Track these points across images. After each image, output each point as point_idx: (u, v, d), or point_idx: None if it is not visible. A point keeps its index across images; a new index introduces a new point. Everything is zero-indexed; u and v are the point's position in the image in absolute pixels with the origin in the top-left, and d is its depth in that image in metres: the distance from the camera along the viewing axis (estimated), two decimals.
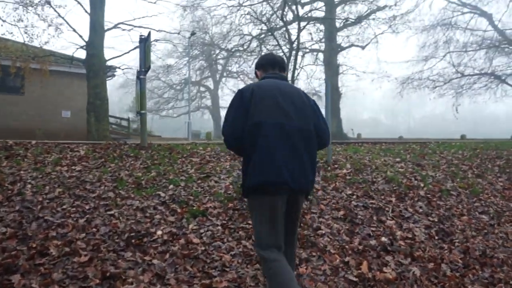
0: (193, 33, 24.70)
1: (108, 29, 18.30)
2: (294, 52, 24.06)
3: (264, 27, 27.70)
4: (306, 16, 27.16)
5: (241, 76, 46.00)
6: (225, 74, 51.21)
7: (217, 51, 46.08)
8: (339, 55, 32.71)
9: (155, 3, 26.01)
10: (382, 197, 5.48)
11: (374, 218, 4.89)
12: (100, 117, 15.89)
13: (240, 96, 2.89)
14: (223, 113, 56.89)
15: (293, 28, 27.32)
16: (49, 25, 16.61)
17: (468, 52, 32.71)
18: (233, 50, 35.99)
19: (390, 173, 6.25)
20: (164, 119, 50.61)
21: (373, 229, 4.62)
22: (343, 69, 32.92)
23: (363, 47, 31.36)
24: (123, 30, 20.04)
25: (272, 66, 3.17)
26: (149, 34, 6.49)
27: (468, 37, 33.36)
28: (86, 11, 16.24)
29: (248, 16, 27.04)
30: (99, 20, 15.90)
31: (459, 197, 5.82)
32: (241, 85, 47.46)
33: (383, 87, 32.66)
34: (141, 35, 6.67)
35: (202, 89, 52.97)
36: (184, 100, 51.44)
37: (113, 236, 3.87)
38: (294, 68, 24.12)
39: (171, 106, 50.09)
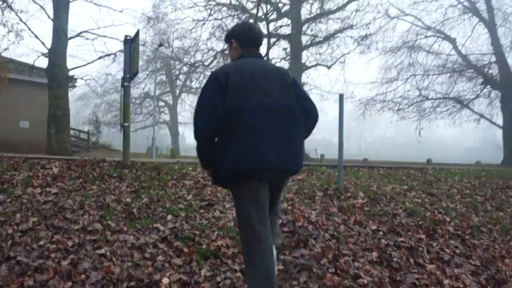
0: (160, 45, 23.76)
1: (72, 37, 17.20)
2: None
3: None
4: (274, 33, 26.83)
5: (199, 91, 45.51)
6: (184, 89, 50.23)
7: (178, 66, 45.23)
8: (303, 74, 32.55)
9: (121, 11, 24.94)
10: (410, 233, 4.77)
11: (411, 260, 4.15)
12: (61, 129, 14.69)
13: (215, 80, 2.66)
14: (181, 128, 55.71)
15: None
16: (9, 31, 15.44)
17: (432, 75, 33.33)
18: (196, 65, 35.30)
19: (409, 204, 5.57)
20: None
21: (416, 275, 3.88)
22: (307, 88, 32.77)
23: (328, 67, 31.25)
24: (87, 39, 18.95)
25: (253, 44, 2.93)
26: (136, 33, 5.58)
27: (431, 61, 34.04)
28: (49, 17, 15.17)
29: (215, 29, 26.65)
30: (62, 26, 14.84)
31: (491, 235, 5.19)
32: None
33: (345, 107, 32.36)
34: (126, 36, 5.76)
35: (161, 103, 51.75)
36: (142, 115, 49.98)
37: (107, 286, 2.94)
38: None
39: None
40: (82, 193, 4.36)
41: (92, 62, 19.06)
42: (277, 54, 25.05)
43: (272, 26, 27.27)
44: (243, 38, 2.92)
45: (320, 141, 61.42)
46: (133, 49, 5.59)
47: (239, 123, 2.56)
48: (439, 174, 8.04)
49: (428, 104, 32.14)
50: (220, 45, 29.81)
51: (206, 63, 33.01)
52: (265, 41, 25.57)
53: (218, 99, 2.62)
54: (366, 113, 33.26)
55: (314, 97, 36.48)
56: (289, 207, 4.76)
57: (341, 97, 5.80)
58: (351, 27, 28.64)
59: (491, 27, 32.02)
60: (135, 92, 45.40)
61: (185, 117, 51.64)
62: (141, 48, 32.50)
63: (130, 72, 5.60)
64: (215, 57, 32.14)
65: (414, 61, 32.75)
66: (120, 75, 37.39)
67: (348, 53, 28.96)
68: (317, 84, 33.52)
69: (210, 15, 28.84)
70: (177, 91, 48.11)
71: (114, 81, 43.19)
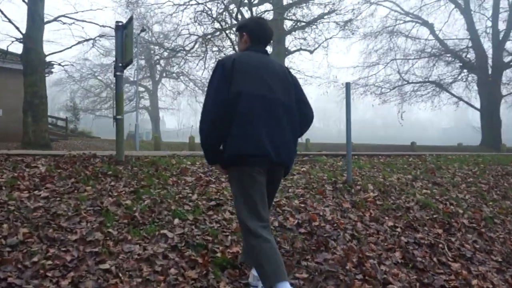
0: (142, 30, 22.93)
1: (48, 22, 16.43)
2: None
3: (217, 25, 26.61)
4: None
5: (181, 77, 44.49)
6: (165, 74, 49.37)
7: (158, 51, 44.22)
8: (286, 59, 32.14)
9: None
10: (426, 228, 4.52)
11: (434, 259, 3.91)
12: (38, 118, 14.00)
13: (222, 67, 2.75)
14: (162, 113, 54.91)
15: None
16: None
17: (412, 60, 33.37)
18: (177, 50, 34.48)
19: (420, 196, 5.32)
20: (99, 119, 47.63)
21: (443, 276, 3.63)
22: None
23: (311, 51, 30.95)
24: (64, 23, 18.15)
25: (262, 41, 3.01)
26: (130, 19, 5.10)
27: (410, 45, 34.08)
28: (24, 1, 14.41)
29: (198, 14, 25.93)
30: (38, 11, 14.09)
31: (505, 227, 5.00)
32: (182, 86, 45.53)
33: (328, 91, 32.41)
34: (117, 22, 5.28)
35: (140, 89, 50.69)
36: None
37: None
38: None
39: (108, 106, 47.39)
40: (75, 195, 3.93)
41: (70, 47, 18.29)
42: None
43: (255, 11, 26.65)
44: (254, 33, 2.98)
45: None
46: (125, 36, 5.12)
47: (239, 108, 2.64)
48: (438, 162, 7.83)
49: (409, 88, 32.26)
50: (202, 30, 29.11)
51: (187, 48, 32.33)
52: None
53: (224, 84, 2.69)
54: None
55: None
56: (301, 204, 4.44)
57: (347, 85, 5.47)
58: (333, 11, 28.25)
59: (467, 12, 32.16)
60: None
61: (165, 102, 50.79)
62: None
63: (123, 60, 5.13)
64: (196, 42, 31.48)
65: (394, 45, 32.73)
66: (99, 60, 35.99)
67: (331, 37, 28.66)
68: (301, 68, 32.99)
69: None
70: (157, 76, 47.13)
71: (91, 66, 41.91)
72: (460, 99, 31.95)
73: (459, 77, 32.19)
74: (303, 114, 2.92)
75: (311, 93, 35.60)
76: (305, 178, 5.41)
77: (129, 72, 46.06)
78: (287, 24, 29.85)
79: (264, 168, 2.69)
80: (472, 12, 31.84)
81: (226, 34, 23.18)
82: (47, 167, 4.65)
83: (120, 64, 5.15)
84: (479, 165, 7.98)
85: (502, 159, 8.97)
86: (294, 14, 27.29)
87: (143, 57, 44.39)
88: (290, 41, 31.19)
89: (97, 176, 4.51)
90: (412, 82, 32.27)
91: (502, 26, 31.27)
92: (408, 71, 32.26)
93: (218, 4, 27.84)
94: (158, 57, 45.70)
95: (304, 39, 30.31)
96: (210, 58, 32.12)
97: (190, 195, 4.30)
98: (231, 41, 23.38)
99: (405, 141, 32.62)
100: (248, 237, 2.61)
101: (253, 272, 2.92)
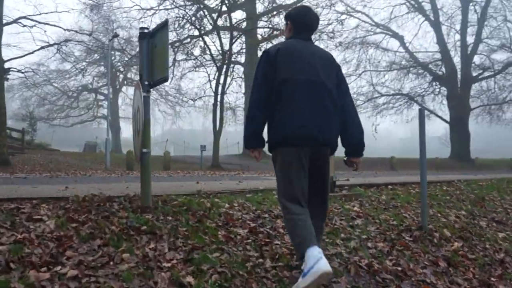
0: (115, 35, 21.43)
1: (7, 24, 14.89)
2: (219, 64, 22.00)
3: (190, 32, 25.42)
4: (223, 25, 25.28)
5: None
6: (126, 82, 47.48)
7: (121, 57, 42.42)
8: None
9: None
10: None
11: None
12: None
13: (267, 56, 2.94)
14: (122, 123, 52.74)
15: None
16: None
17: (383, 72, 33.37)
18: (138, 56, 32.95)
19: (504, 243, 4.50)
20: (53, 128, 44.92)
21: None
22: None
23: None
24: (24, 26, 16.58)
25: (306, 28, 3.10)
26: (163, 23, 3.99)
27: (381, 57, 34.09)
28: None
29: (177, 19, 24.67)
30: None
31: None
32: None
33: None
34: (142, 28, 4.16)
35: (100, 97, 48.58)
36: (78, 109, 46.49)
37: None
38: (225, 80, 22.11)
39: (65, 115, 44.94)
40: (113, 269, 2.80)
41: (32, 52, 16.72)
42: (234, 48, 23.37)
43: (224, 19, 25.67)
44: (297, 21, 3.09)
45: None
46: (154, 46, 4.00)
47: (284, 94, 2.81)
48: (475, 191, 7.10)
49: (382, 100, 32.19)
50: (172, 37, 27.87)
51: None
52: (227, 34, 24.01)
53: (269, 71, 2.88)
54: None
55: None
56: (397, 267, 3.47)
57: (421, 112, 4.59)
58: None
59: (436, 25, 32.53)
60: (71, 84, 42.06)
61: (125, 111, 48.73)
62: (82, 37, 29.76)
63: (151, 78, 4.01)
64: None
65: (366, 57, 32.59)
66: (55, 65, 33.70)
67: None
68: None
69: (160, 4, 26.82)
70: (117, 84, 45.14)
71: (47, 72, 39.38)
72: (431, 111, 32.15)
73: (430, 90, 32.47)
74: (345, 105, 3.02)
75: None
76: (370, 222, 4.47)
77: (87, 79, 44.06)
78: (262, 33, 29.05)
79: (308, 149, 2.81)
80: (441, 25, 32.25)
81: (204, 42, 22.14)
82: (55, 221, 3.46)
83: (147, 83, 4.02)
84: None
85: None
86: (270, 22, 26.47)
87: (102, 63, 42.48)
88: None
89: (128, 233, 3.37)
90: (385, 94, 32.25)
91: (470, 39, 31.82)
92: (381, 83, 32.22)
93: (188, 11, 26.83)
94: (118, 63, 43.90)
95: None
96: (177, 66, 30.98)
97: (260, 260, 3.24)
98: (206, 47, 22.32)
99: (369, 152, 32.33)
100: (284, 213, 2.86)
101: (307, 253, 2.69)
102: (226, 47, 22.58)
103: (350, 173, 10.05)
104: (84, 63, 40.99)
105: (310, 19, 3.10)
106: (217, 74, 21.27)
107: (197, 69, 28.11)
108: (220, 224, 3.91)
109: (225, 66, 20.78)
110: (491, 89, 32.38)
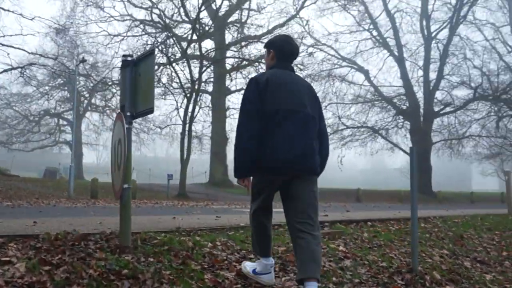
0: (83, 60, 20.94)
1: None
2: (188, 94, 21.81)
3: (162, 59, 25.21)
4: (196, 54, 25.26)
5: (107, 110, 41.83)
6: (90, 108, 46.42)
7: (83, 82, 41.52)
8: (226, 98, 31.30)
9: (32, 19, 21.65)
10: None
11: None
12: None
13: (255, 83, 3.02)
14: (85, 149, 51.34)
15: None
16: None
17: (349, 104, 33.95)
18: (107, 82, 32.42)
19: (495, 287, 4.42)
20: (13, 153, 43.16)
21: None
22: (231, 113, 31.56)
23: None
24: None
25: (289, 58, 3.24)
26: (150, 52, 3.80)
27: (346, 90, 34.71)
28: None
29: (149, 45, 24.45)
30: None
31: None
32: (108, 121, 42.61)
33: None
34: (124, 56, 3.96)
35: (63, 122, 47.24)
36: (39, 134, 44.93)
37: None
38: (194, 109, 21.87)
39: (25, 139, 43.30)
40: None
41: None
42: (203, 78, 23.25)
43: (191, 47, 25.63)
44: (281, 50, 3.19)
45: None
46: (138, 75, 3.79)
47: (275, 124, 2.92)
48: (453, 228, 7.09)
49: (348, 132, 32.64)
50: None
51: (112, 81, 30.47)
52: (196, 63, 23.94)
53: (258, 99, 2.96)
54: None
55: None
56: None
57: (412, 150, 4.55)
58: None
59: (400, 61, 33.60)
60: (33, 108, 40.73)
61: (88, 137, 47.46)
62: (46, 61, 28.96)
63: (133, 109, 3.78)
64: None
65: (332, 90, 33.11)
66: (16, 88, 32.55)
67: None
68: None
69: (128, 30, 26.61)
70: (81, 109, 44.02)
71: (8, 95, 37.95)
72: (394, 145, 32.84)
73: (394, 124, 33.18)
74: (323, 133, 3.24)
75: None
76: (359, 264, 4.30)
77: (50, 104, 42.76)
78: (230, 62, 29.16)
79: (290, 175, 2.98)
80: (405, 61, 33.30)
81: (173, 69, 21.93)
82: (26, 263, 3.12)
83: (129, 114, 3.78)
84: (491, 230, 7.35)
85: (508, 222, 8.44)
86: (239, 52, 26.61)
87: (66, 88, 41.47)
88: (230, 81, 30.37)
89: (108, 278, 3.07)
90: (350, 127, 32.73)
91: (433, 75, 32.95)
92: (347, 115, 32.71)
93: (157, 37, 26.72)
94: (83, 88, 42.94)
95: (245, 77, 29.52)
96: None
97: None
98: (176, 75, 22.11)
99: (331, 183, 32.68)
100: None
101: (263, 261, 3.30)
102: (195, 76, 22.46)
103: (322, 207, 9.92)
104: (47, 87, 39.90)
105: (293, 47, 3.24)
106: (185, 103, 21.04)
107: (164, 96, 27.83)
108: (205, 266, 3.65)
109: (194, 95, 20.60)
110: (451, 124, 33.45)
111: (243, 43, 28.20)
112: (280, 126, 2.91)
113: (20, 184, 20.36)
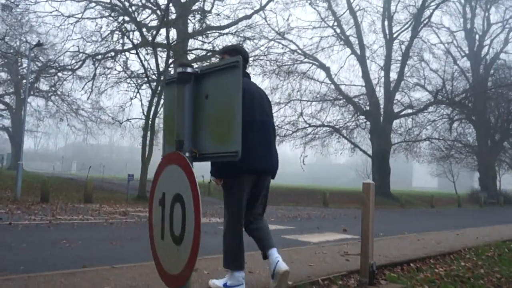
0: (39, 44, 18.65)
1: None
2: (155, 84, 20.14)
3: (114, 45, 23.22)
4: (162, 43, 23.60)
5: (52, 97, 38.65)
6: (33, 92, 42.94)
7: (26, 64, 38.21)
8: None
9: None
10: None
11: None
12: None
13: None
14: (27, 136, 47.64)
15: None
16: None
17: (309, 102, 33.24)
18: (52, 65, 29.83)
19: None
20: None
21: None
22: None
23: None
24: None
25: (246, 64, 3.61)
26: (237, 62, 2.53)
27: (306, 87, 33.98)
28: None
29: (117, 29, 22.42)
30: None
31: None
32: (53, 107, 39.63)
33: None
34: (182, 66, 2.66)
35: (1, 107, 43.53)
36: None
37: None
38: (158, 103, 20.18)
39: None
40: None
41: None
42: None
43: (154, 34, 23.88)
44: (245, 58, 3.48)
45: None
46: (205, 97, 2.51)
47: (248, 132, 3.14)
48: (489, 264, 6.24)
49: (310, 130, 31.91)
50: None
51: (75, 67, 28.07)
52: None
53: None
54: None
55: None
56: None
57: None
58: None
59: (362, 60, 33.29)
60: None
61: (31, 124, 44.02)
62: None
63: (195, 146, 2.51)
64: (83, 61, 27.49)
65: (297, 86, 32.26)
66: None
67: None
68: None
69: (83, 12, 24.37)
70: (23, 93, 40.52)
71: None
72: (355, 145, 32.56)
73: (354, 123, 32.86)
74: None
75: None
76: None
77: None
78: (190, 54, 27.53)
79: (256, 176, 3.47)
80: (367, 60, 33.02)
81: (138, 54, 20.10)
82: None
83: (188, 154, 2.50)
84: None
85: None
86: (203, 43, 25.16)
87: (5, 69, 38.04)
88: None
89: None
90: (313, 125, 32.02)
91: (394, 75, 32.91)
92: (310, 113, 31.98)
93: (110, 20, 24.85)
94: (24, 71, 39.53)
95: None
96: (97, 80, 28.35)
97: None
98: (143, 66, 20.25)
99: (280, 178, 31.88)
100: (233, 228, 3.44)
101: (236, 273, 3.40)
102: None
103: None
104: None
105: (248, 54, 3.73)
106: (150, 95, 19.40)
107: (118, 85, 25.97)
108: None
109: (159, 87, 18.99)
110: (409, 126, 33.67)
111: (208, 32, 26.77)
112: (249, 133, 3.21)
113: None
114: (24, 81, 40.41)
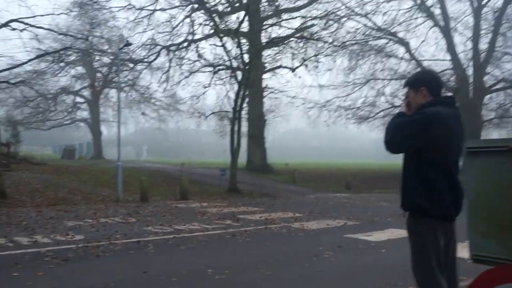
0: (127, 44, 18.63)
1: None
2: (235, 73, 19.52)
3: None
4: (226, 29, 22.84)
5: (125, 88, 39.23)
6: (109, 84, 43.99)
7: (99, 58, 38.97)
8: (264, 76, 28.89)
9: None
10: None
11: None
12: None
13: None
14: (103, 127, 49.38)
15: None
16: None
17: (388, 81, 31.47)
18: (136, 60, 30.09)
19: None
20: (30, 132, 41.21)
21: None
22: (269, 93, 29.35)
23: (293, 69, 27.91)
24: (14, 29, 13.80)
25: (441, 86, 3.01)
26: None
27: (383, 65, 32.13)
28: None
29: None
30: None
31: None
32: (125, 98, 40.33)
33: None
34: None
35: (79, 99, 45.19)
36: (56, 112, 42.73)
37: None
38: (244, 94, 19.60)
39: (42, 118, 41.17)
40: None
41: (27, 62, 13.94)
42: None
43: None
44: (434, 81, 2.99)
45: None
46: None
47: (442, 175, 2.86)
48: None
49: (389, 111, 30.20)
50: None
51: (150, 59, 28.25)
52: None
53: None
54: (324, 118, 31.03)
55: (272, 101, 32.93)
56: None
57: None
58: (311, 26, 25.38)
59: (446, 32, 30.77)
60: (50, 85, 38.44)
61: (106, 114, 45.50)
62: (67, 39, 26.48)
63: None
64: (159, 53, 27.55)
65: (380, 66, 30.56)
66: (36, 66, 30.19)
67: (317, 55, 25.68)
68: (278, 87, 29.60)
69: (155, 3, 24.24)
70: (98, 86, 41.75)
71: (19, 71, 35.28)
72: None
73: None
74: None
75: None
76: None
77: (64, 81, 40.26)
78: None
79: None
80: (452, 32, 30.52)
81: (221, 39, 19.46)
82: None
83: None
84: None
85: None
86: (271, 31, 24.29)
87: (81, 64, 39.06)
88: (265, 58, 27.55)
89: None
90: (392, 106, 30.26)
91: (483, 47, 30.28)
92: (390, 93, 30.29)
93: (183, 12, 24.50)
94: (99, 64, 40.42)
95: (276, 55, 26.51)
96: (175, 70, 28.36)
97: None
98: (228, 57, 19.61)
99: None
100: None
101: None
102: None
103: None
104: (62, 64, 37.38)
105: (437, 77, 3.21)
106: (236, 87, 18.85)
107: (201, 76, 25.73)
108: None
109: (244, 78, 18.38)
110: (502, 102, 31.05)
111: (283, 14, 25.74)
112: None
113: (52, 178, 18.48)
114: (99, 74, 41.46)
